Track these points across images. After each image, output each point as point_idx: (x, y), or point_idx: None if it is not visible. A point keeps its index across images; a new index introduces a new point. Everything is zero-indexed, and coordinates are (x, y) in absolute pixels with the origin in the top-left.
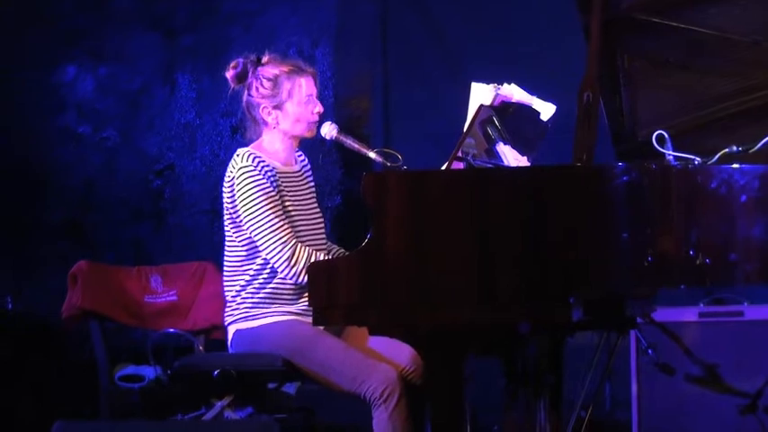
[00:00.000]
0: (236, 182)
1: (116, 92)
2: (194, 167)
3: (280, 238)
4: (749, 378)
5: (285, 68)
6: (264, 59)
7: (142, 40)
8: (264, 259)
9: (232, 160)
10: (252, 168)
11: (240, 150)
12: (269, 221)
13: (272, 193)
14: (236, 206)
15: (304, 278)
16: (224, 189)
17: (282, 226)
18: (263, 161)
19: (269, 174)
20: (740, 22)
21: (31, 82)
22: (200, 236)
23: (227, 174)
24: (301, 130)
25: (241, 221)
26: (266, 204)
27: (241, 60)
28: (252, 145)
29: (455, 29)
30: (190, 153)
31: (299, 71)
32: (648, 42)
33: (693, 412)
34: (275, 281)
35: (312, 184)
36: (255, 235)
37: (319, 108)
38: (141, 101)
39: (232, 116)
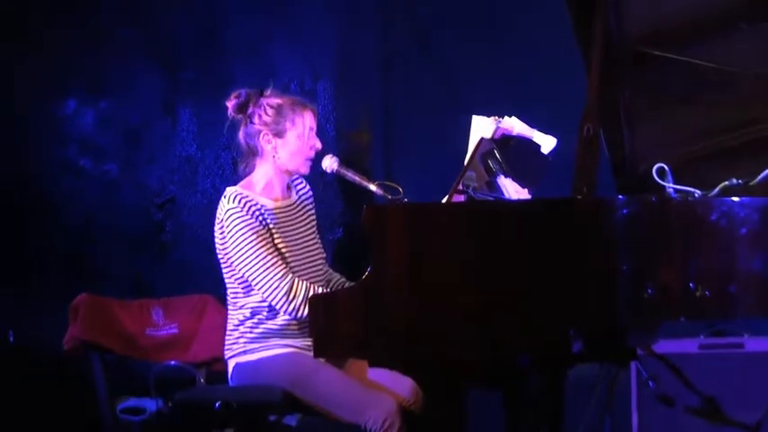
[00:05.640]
0: (225, 224)
1: (117, 125)
2: (195, 200)
3: (275, 275)
4: (749, 410)
5: (289, 100)
6: (267, 92)
7: (143, 73)
8: (262, 296)
9: (220, 202)
10: (239, 210)
11: (228, 191)
12: (262, 260)
13: (262, 231)
14: (228, 248)
15: (304, 312)
16: (215, 231)
17: (276, 263)
18: (251, 200)
19: (256, 213)
20: (741, 55)
21: (32, 115)
22: (202, 269)
23: (216, 215)
24: (297, 164)
25: (233, 263)
26: (257, 243)
27: (244, 91)
28: (241, 183)
29: (456, 62)
30: (191, 186)
31: (302, 105)
32: (650, 75)
33: None
34: (279, 317)
35: (312, 213)
36: (250, 275)
37: (318, 144)
38: (142, 134)
39: (233, 150)
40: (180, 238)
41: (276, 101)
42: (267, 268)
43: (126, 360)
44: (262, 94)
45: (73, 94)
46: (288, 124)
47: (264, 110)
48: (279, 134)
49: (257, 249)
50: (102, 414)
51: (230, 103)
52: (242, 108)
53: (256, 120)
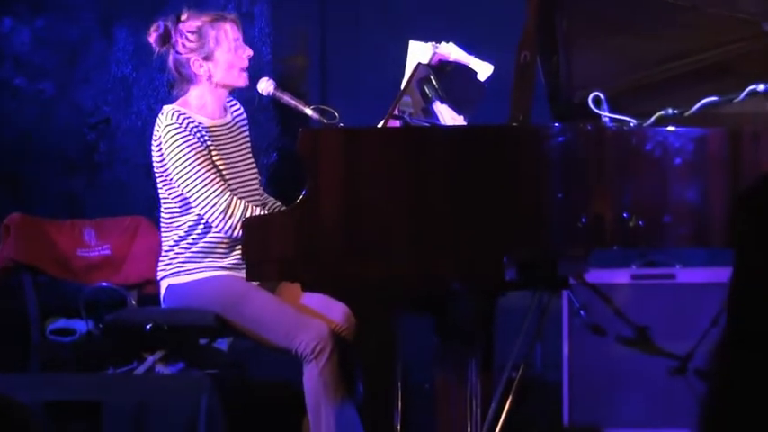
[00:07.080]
0: (164, 140)
1: (53, 44)
2: (130, 122)
3: (213, 192)
4: (680, 340)
5: (207, 18)
6: (184, 16)
7: None
8: (198, 215)
9: (157, 119)
10: (177, 126)
11: (165, 108)
12: (200, 176)
13: (201, 149)
14: (166, 164)
15: (239, 232)
16: (152, 148)
17: (214, 179)
18: (188, 117)
19: (195, 130)
20: None
21: None
22: (135, 190)
23: (154, 133)
24: (234, 77)
25: (172, 179)
26: (196, 160)
27: (161, 23)
28: (177, 102)
29: None
30: (126, 107)
31: (221, 18)
32: (588, 2)
33: (624, 373)
34: (208, 236)
35: (247, 135)
36: (188, 191)
37: (249, 51)
38: (78, 53)
39: (169, 71)
40: (114, 160)
41: (195, 24)
42: (206, 185)
43: (57, 281)
44: (179, 20)
45: (9, 12)
46: (212, 44)
47: (186, 38)
48: (208, 57)
49: (195, 165)
50: (32, 335)
51: (152, 38)
52: (164, 40)
53: (181, 48)
